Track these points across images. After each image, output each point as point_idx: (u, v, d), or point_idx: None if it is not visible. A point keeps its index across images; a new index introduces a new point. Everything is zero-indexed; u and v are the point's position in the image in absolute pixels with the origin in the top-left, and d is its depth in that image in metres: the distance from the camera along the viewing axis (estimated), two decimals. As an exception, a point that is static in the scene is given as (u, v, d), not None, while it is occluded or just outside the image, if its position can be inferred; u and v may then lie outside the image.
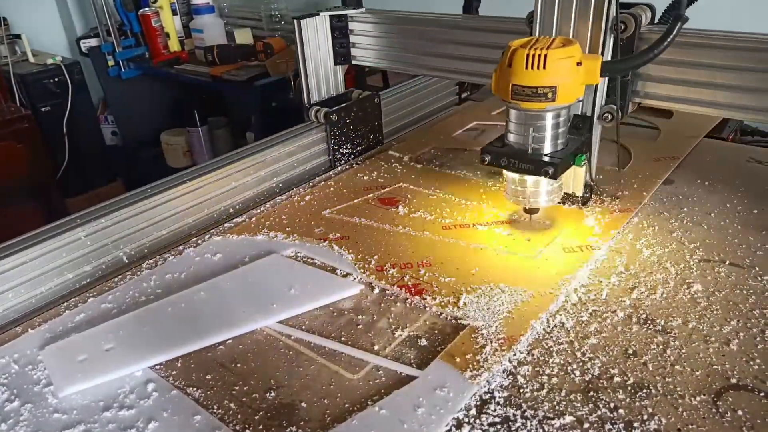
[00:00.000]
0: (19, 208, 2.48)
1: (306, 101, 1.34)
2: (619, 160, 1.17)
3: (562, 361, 0.73)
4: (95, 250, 0.99)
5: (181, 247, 1.04)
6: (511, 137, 0.95)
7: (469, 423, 0.66)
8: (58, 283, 0.96)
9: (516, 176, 0.97)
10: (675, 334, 0.76)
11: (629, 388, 0.69)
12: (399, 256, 0.97)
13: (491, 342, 0.76)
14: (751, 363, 0.71)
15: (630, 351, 0.74)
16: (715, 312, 0.80)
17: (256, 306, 0.85)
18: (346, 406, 0.69)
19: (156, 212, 1.07)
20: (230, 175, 1.17)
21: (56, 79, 2.76)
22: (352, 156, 1.37)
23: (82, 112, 2.90)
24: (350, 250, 0.99)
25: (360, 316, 0.84)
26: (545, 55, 0.85)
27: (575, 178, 1.05)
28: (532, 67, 0.86)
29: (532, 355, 0.75)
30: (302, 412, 0.69)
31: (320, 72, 1.34)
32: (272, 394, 0.72)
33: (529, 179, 0.96)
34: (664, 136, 1.33)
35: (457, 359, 0.74)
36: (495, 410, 0.67)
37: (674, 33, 0.86)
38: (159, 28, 2.69)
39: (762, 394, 0.67)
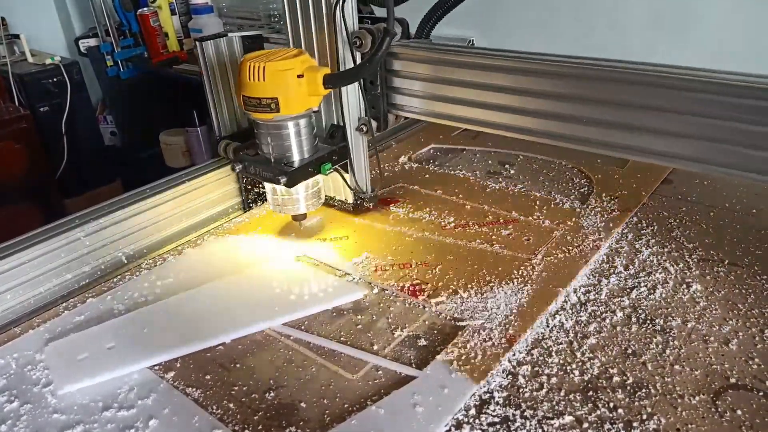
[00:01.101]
0: (17, 209, 2.47)
1: (216, 134, 1.18)
2: (380, 170, 1.21)
3: (561, 361, 0.73)
4: (94, 250, 0.99)
5: (180, 247, 1.04)
6: (261, 146, 0.98)
7: (468, 423, 0.66)
8: (57, 283, 0.96)
9: (271, 186, 1.00)
10: (674, 333, 0.76)
11: (628, 387, 0.69)
12: (398, 256, 0.97)
13: (491, 342, 0.76)
14: (750, 363, 0.71)
15: (629, 351, 0.74)
16: (714, 312, 0.80)
17: (259, 308, 0.85)
18: (346, 406, 0.69)
19: (155, 212, 1.07)
20: (229, 175, 1.17)
21: (55, 79, 2.75)
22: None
23: (80, 112, 2.90)
24: (350, 251, 0.99)
25: (359, 316, 0.84)
26: (264, 67, 0.88)
27: (345, 187, 1.10)
28: (254, 78, 0.89)
29: (532, 355, 0.75)
30: (301, 412, 0.69)
31: (232, 100, 1.17)
32: (271, 394, 0.72)
33: (280, 188, 0.97)
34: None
35: (457, 359, 0.74)
36: (494, 410, 0.67)
37: (383, 48, 0.89)
38: (158, 27, 2.69)
39: (761, 393, 0.67)
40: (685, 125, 0.77)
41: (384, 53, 0.90)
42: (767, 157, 0.72)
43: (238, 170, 1.01)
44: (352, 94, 1.03)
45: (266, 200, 1.16)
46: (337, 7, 0.94)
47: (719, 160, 0.76)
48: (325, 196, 1.11)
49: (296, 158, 0.97)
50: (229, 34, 1.15)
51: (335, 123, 1.06)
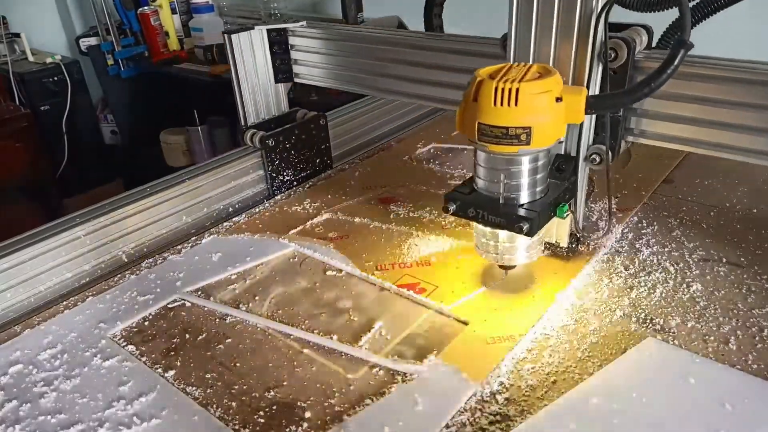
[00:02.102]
0: (18, 207, 2.47)
1: (242, 123, 1.22)
2: (610, 214, 1.00)
3: (561, 361, 0.73)
4: (94, 249, 0.99)
5: (180, 246, 1.04)
6: (480, 183, 0.80)
7: (468, 423, 0.66)
8: (57, 282, 0.96)
9: (487, 229, 0.83)
10: (674, 333, 0.76)
11: (629, 387, 0.69)
12: (398, 255, 0.97)
13: (491, 341, 0.76)
14: (750, 363, 0.71)
15: (629, 350, 0.74)
16: (714, 311, 0.80)
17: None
18: (346, 405, 0.69)
19: (155, 211, 1.07)
20: (229, 174, 1.17)
21: (55, 78, 2.76)
22: (295, 183, 1.25)
23: (81, 111, 2.90)
24: (350, 250, 0.99)
25: (359, 316, 0.84)
26: (517, 89, 0.70)
27: (558, 226, 0.90)
28: (502, 104, 0.70)
29: (532, 354, 0.75)
30: (301, 412, 0.69)
31: (258, 91, 1.22)
32: (272, 393, 0.72)
33: (503, 234, 0.81)
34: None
35: (457, 359, 0.74)
36: (494, 410, 0.67)
37: (676, 63, 0.70)
38: (158, 26, 2.69)
39: (761, 393, 0.67)
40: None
41: (676, 69, 0.70)
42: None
43: (451, 211, 0.81)
44: (588, 119, 0.84)
45: (288, 188, 1.22)
46: (603, 13, 0.76)
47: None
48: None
49: (526, 199, 0.78)
50: (256, 27, 1.18)
51: (563, 153, 0.86)
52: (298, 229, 1.06)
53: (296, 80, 1.27)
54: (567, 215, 0.86)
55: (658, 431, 0.63)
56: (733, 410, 0.64)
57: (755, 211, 1.02)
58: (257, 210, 1.15)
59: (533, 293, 0.85)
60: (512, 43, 0.84)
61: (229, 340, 0.81)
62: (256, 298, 0.89)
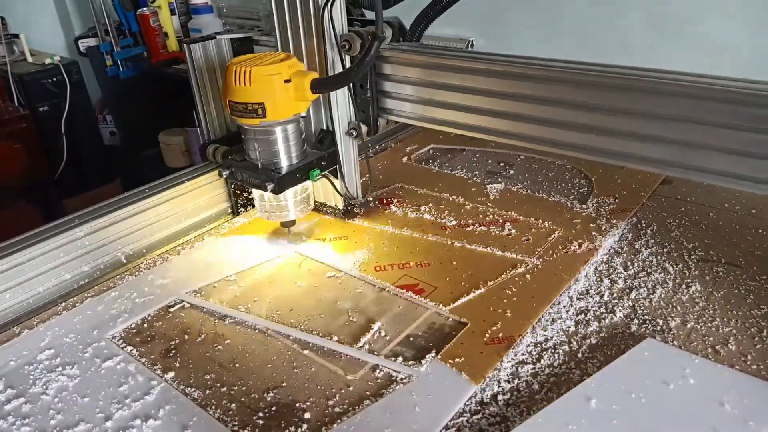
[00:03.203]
0: (17, 208, 2.47)
1: (205, 137, 1.17)
2: (370, 175, 1.18)
3: (561, 362, 0.73)
4: (93, 250, 0.99)
5: (179, 247, 1.04)
6: (248, 152, 0.96)
7: (468, 423, 0.66)
8: (56, 283, 0.95)
9: (257, 192, 0.97)
10: (673, 334, 0.76)
11: (628, 388, 0.69)
12: (398, 256, 0.97)
13: (490, 342, 0.76)
14: (749, 363, 0.71)
15: (629, 351, 0.74)
16: (713, 312, 0.80)
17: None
18: (345, 405, 0.69)
19: (154, 212, 1.06)
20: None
21: (54, 79, 2.75)
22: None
23: (80, 111, 2.89)
24: (350, 251, 0.99)
25: (359, 317, 0.84)
26: (250, 71, 0.85)
27: (334, 192, 1.08)
28: (240, 83, 0.86)
29: (531, 355, 0.75)
30: (301, 412, 0.68)
31: (221, 103, 1.12)
32: (271, 394, 0.72)
33: (268, 194, 0.95)
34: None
35: (456, 359, 0.74)
36: (494, 410, 0.67)
37: (372, 52, 0.86)
38: (157, 27, 2.69)
39: (760, 394, 0.67)
40: (682, 132, 0.75)
41: (372, 58, 0.88)
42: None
43: (225, 176, 0.99)
44: (341, 99, 1.01)
45: (254, 206, 1.14)
46: (326, 10, 0.92)
47: (716, 168, 0.74)
48: (315, 201, 1.09)
49: (284, 164, 0.95)
50: (218, 36, 1.14)
51: (324, 128, 1.04)
52: (298, 229, 1.06)
53: None
54: (318, 178, 1.01)
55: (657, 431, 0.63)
56: (732, 410, 0.64)
57: (754, 211, 1.02)
58: (256, 211, 1.14)
59: (531, 294, 0.85)
60: (277, 36, 1.01)
61: (228, 341, 0.81)
62: (255, 299, 0.89)
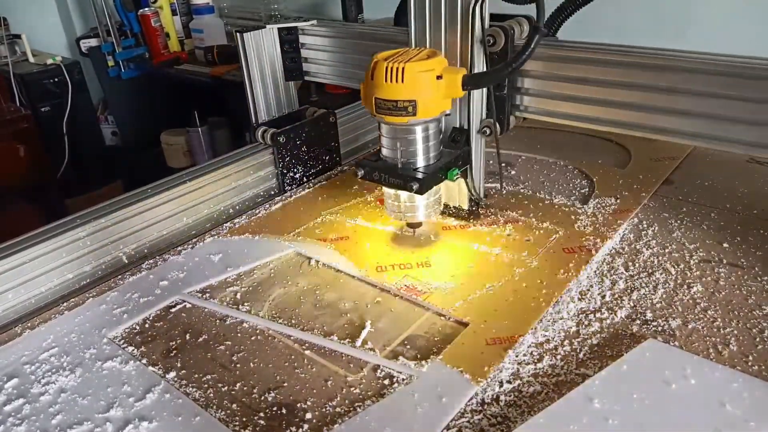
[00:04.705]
0: (18, 209, 2.47)
1: (254, 120, 1.25)
2: (501, 178, 1.16)
3: (562, 362, 0.73)
4: (95, 250, 0.99)
5: (180, 247, 1.04)
6: (384, 151, 0.94)
7: (469, 423, 0.66)
8: (57, 283, 0.96)
9: (392, 191, 0.96)
10: (675, 334, 0.76)
11: (629, 388, 0.69)
12: (399, 256, 0.97)
13: (492, 342, 0.76)
14: (751, 364, 0.71)
15: (630, 352, 0.74)
16: (714, 313, 0.80)
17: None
18: (346, 406, 0.69)
19: (156, 212, 1.07)
20: (230, 175, 1.17)
21: (56, 79, 2.76)
22: (305, 179, 1.26)
23: (81, 112, 2.90)
24: (351, 251, 0.99)
25: (360, 317, 0.84)
26: (403, 68, 0.84)
27: (460, 192, 1.06)
28: (391, 80, 0.84)
29: (533, 355, 0.75)
30: (302, 413, 0.69)
31: (269, 89, 1.25)
32: (272, 394, 0.72)
33: (404, 194, 0.94)
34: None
35: (458, 360, 0.74)
36: (495, 411, 0.67)
37: (531, 47, 0.84)
38: (159, 28, 2.70)
39: (762, 394, 0.67)
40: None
41: (532, 52, 0.85)
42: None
43: (360, 176, 0.95)
44: (477, 96, 0.98)
45: (298, 185, 1.24)
46: (477, 6, 0.89)
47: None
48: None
49: (421, 163, 0.93)
50: (267, 26, 1.21)
51: (458, 126, 1.01)
52: (299, 230, 1.07)
53: (306, 78, 1.29)
54: (457, 178, 0.98)
55: (658, 432, 0.63)
56: (733, 411, 0.64)
57: (756, 212, 1.02)
58: (257, 211, 1.15)
59: (532, 295, 0.85)
60: (412, 32, 0.99)
61: (229, 342, 0.81)
62: (257, 299, 0.89)
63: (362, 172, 0.95)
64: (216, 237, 1.07)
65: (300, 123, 1.24)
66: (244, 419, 0.68)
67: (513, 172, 1.24)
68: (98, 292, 0.93)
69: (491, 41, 0.93)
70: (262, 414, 0.69)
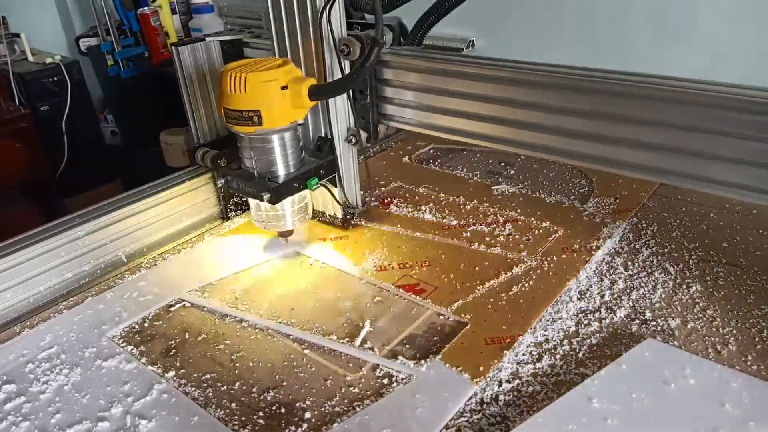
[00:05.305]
0: (17, 208, 2.47)
1: (194, 140, 1.15)
2: (370, 184, 1.14)
3: (561, 362, 0.73)
4: (94, 249, 0.99)
5: (179, 247, 1.04)
6: (244, 161, 0.93)
7: (468, 423, 0.66)
8: (57, 282, 0.96)
9: (255, 201, 0.94)
10: (674, 334, 0.76)
11: (628, 388, 0.69)
12: (398, 256, 0.97)
13: (491, 342, 0.76)
14: (750, 363, 0.71)
15: (629, 351, 0.74)
16: (713, 312, 0.80)
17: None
18: (345, 405, 0.69)
19: (155, 212, 1.06)
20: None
21: (55, 78, 2.75)
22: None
23: (81, 111, 2.89)
24: (350, 250, 0.99)
25: (359, 316, 0.84)
26: (245, 78, 0.83)
27: (333, 201, 1.04)
28: (235, 90, 0.83)
29: (532, 355, 0.75)
30: (301, 412, 0.69)
31: (211, 106, 1.13)
32: (271, 393, 0.72)
33: (265, 204, 0.93)
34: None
35: (457, 359, 0.74)
36: (494, 410, 0.67)
37: (371, 59, 0.84)
38: (158, 27, 2.69)
39: (761, 394, 0.67)
40: (678, 139, 0.74)
41: (372, 64, 0.85)
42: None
43: (220, 185, 0.94)
44: (340, 105, 0.98)
45: (247, 209, 1.14)
46: (324, 13, 0.89)
47: (718, 178, 0.73)
48: (313, 210, 1.07)
49: (281, 173, 0.92)
50: (207, 39, 1.11)
51: (323, 135, 1.01)
52: (295, 238, 1.06)
53: None
54: (316, 187, 0.97)
55: (657, 432, 0.63)
56: (732, 410, 0.64)
57: (754, 211, 1.02)
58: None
59: (532, 294, 0.85)
60: (274, 39, 0.97)
61: (228, 341, 0.81)
62: (256, 298, 0.89)
63: (222, 180, 0.96)
64: (215, 236, 1.06)
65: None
66: (244, 418, 0.68)
67: (512, 172, 1.24)
68: (97, 291, 0.93)
69: (346, 50, 0.92)
70: (261, 413, 0.69)
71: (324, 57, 0.93)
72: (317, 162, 0.98)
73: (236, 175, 0.95)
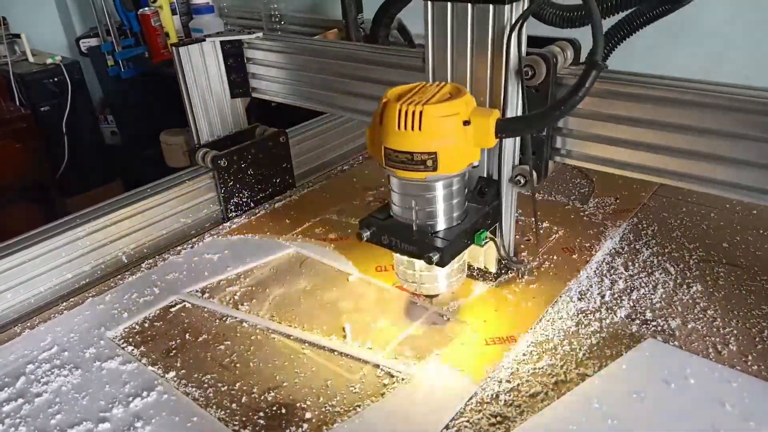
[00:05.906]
0: (18, 208, 2.47)
1: (195, 141, 1.14)
2: (537, 233, 0.95)
3: (562, 362, 0.73)
4: (94, 249, 0.99)
5: (179, 247, 1.04)
6: (395, 209, 0.75)
7: (468, 423, 0.66)
8: (57, 282, 0.96)
9: (404, 257, 0.77)
10: (674, 334, 0.76)
11: (629, 388, 0.69)
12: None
13: (491, 342, 0.76)
14: (750, 363, 0.71)
15: (629, 351, 0.74)
16: (714, 312, 0.80)
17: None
18: (346, 405, 0.69)
19: (155, 212, 1.07)
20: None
21: (56, 79, 2.75)
22: (252, 204, 1.17)
23: (81, 111, 2.90)
24: (350, 251, 0.99)
25: (359, 317, 0.84)
26: (421, 112, 0.65)
27: (486, 251, 0.86)
28: (406, 127, 0.65)
29: (532, 355, 0.75)
30: (302, 412, 0.69)
31: (212, 106, 1.14)
32: (271, 394, 0.72)
33: (419, 261, 0.75)
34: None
35: (457, 359, 0.74)
36: (494, 410, 0.67)
37: (587, 86, 0.65)
38: (158, 27, 2.69)
39: (761, 394, 0.67)
40: (686, 142, 0.70)
41: (587, 92, 0.65)
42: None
43: (365, 238, 0.75)
44: (510, 140, 0.78)
45: (247, 210, 1.13)
46: (514, 32, 0.71)
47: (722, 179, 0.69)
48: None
49: (442, 225, 0.74)
50: (207, 39, 1.10)
51: (485, 175, 0.82)
52: (299, 229, 1.06)
53: (254, 95, 1.18)
54: (486, 242, 0.80)
55: (658, 432, 0.63)
56: (732, 410, 0.64)
57: (755, 211, 1.02)
58: (258, 210, 1.14)
59: (532, 294, 0.85)
60: (429, 59, 0.78)
61: (229, 341, 0.81)
62: (256, 299, 0.89)
63: (368, 233, 0.76)
64: (216, 237, 1.06)
65: (245, 144, 1.14)
66: (244, 419, 0.68)
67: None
68: (98, 291, 0.93)
69: (530, 73, 0.74)
70: (261, 414, 0.69)
71: (505, 82, 0.74)
72: (482, 209, 0.79)
73: (384, 226, 0.75)
